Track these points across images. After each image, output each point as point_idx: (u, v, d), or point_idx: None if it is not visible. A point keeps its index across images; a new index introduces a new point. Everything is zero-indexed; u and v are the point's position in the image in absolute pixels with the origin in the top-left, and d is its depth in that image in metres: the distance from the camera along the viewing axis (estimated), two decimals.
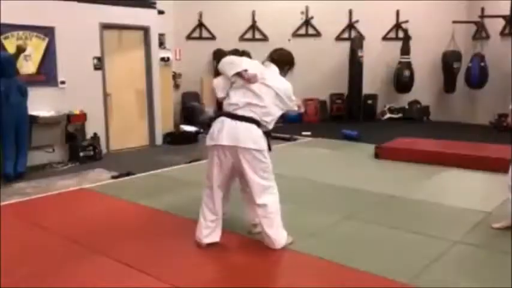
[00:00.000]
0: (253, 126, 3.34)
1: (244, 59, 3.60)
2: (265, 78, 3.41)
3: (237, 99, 3.39)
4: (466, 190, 5.31)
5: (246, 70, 3.38)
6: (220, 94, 3.53)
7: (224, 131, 3.34)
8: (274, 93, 3.40)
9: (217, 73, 3.60)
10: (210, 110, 10.39)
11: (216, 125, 3.44)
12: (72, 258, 3.36)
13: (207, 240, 3.50)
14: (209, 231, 3.50)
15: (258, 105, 3.36)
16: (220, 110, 3.63)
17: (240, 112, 3.36)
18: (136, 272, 3.15)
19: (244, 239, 3.68)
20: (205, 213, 3.52)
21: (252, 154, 3.32)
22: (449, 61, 10.58)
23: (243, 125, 3.33)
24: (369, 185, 5.27)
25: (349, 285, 2.98)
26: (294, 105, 3.61)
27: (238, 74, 3.38)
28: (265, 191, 3.40)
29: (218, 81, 3.57)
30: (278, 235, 3.47)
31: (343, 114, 11.31)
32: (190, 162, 6.74)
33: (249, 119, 3.34)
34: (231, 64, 3.44)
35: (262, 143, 3.36)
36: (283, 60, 3.61)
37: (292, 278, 3.14)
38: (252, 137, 3.31)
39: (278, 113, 3.48)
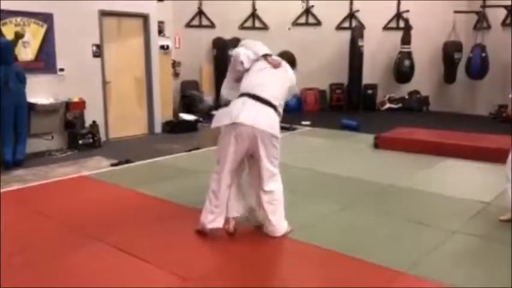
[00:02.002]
0: (272, 111, 3.42)
1: None
2: (285, 65, 3.66)
3: (257, 80, 3.49)
4: (465, 180, 5.31)
5: (271, 55, 3.61)
6: (246, 63, 3.56)
7: (245, 110, 3.35)
8: (289, 80, 3.64)
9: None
10: (209, 98, 10.38)
11: (235, 105, 3.45)
12: (71, 245, 3.37)
13: (210, 225, 3.51)
14: (214, 217, 3.50)
15: (274, 88, 3.50)
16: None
17: (258, 93, 3.43)
18: (135, 259, 3.16)
19: (244, 227, 3.68)
20: (210, 198, 3.54)
21: (269, 139, 3.36)
22: (449, 51, 10.54)
23: (263, 108, 3.39)
24: (368, 175, 5.28)
25: (347, 274, 2.99)
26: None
27: (265, 57, 3.58)
28: (273, 177, 3.45)
29: (243, 52, 3.59)
30: (280, 223, 3.51)
31: (343, 104, 11.31)
32: (189, 150, 6.74)
33: (267, 102, 3.41)
34: (259, 46, 3.65)
35: (278, 129, 3.44)
36: (289, 62, 3.79)
37: (291, 266, 3.16)
38: (270, 121, 3.38)
39: (284, 99, 3.63)
